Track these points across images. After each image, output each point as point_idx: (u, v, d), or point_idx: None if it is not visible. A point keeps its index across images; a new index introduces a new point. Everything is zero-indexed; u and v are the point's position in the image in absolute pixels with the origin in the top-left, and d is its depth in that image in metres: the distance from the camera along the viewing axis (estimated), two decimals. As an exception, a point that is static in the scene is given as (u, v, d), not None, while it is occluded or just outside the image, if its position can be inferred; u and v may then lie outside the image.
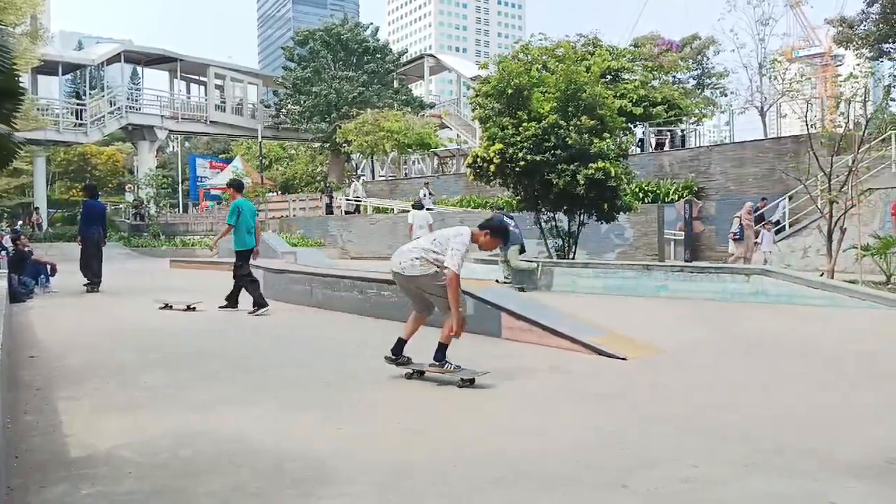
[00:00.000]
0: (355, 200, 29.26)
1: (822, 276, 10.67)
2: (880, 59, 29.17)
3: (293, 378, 5.31)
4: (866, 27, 26.77)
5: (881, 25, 25.74)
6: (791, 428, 3.88)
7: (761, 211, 16.94)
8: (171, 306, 9.51)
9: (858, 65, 27.10)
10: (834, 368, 5.51)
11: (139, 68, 43.19)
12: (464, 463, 3.31)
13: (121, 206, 41.92)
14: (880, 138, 15.55)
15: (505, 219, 14.00)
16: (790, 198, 17.36)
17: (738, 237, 15.00)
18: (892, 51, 27.35)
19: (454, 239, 4.87)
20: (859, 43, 27.35)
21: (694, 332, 7.39)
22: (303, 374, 5.47)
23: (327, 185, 33.78)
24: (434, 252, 4.90)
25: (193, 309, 9.33)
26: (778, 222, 17.83)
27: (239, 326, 8.24)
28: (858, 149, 11.39)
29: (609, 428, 3.89)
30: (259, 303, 9.10)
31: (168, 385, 5.06)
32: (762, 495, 2.91)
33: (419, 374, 5.11)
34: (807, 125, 12.57)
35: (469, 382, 4.83)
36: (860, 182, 11.81)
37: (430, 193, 25.06)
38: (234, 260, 9.50)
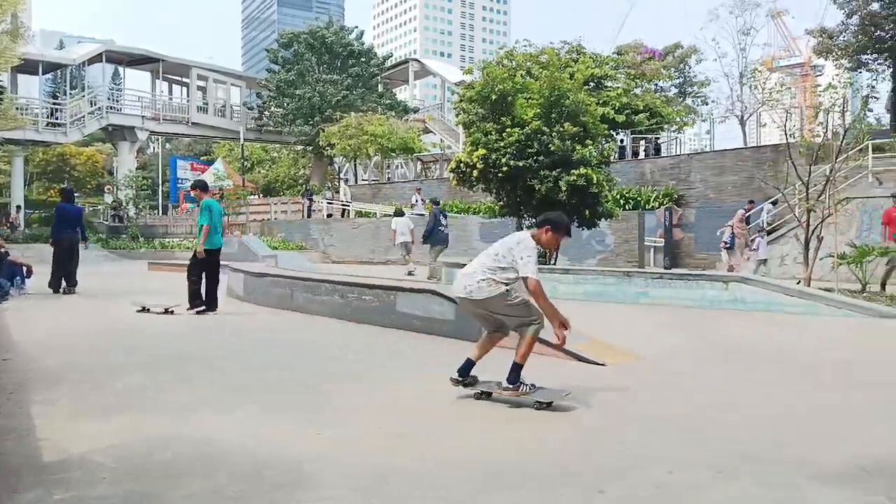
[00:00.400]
0: (343, 205, 29.10)
1: (799, 284, 10.80)
2: (859, 70, 29.66)
3: (274, 381, 5.28)
4: (846, 38, 27.22)
5: (860, 37, 26.19)
6: (768, 434, 3.92)
7: (748, 214, 17.09)
8: (148, 309, 9.41)
9: (837, 75, 27.50)
10: (810, 376, 5.58)
11: (121, 68, 42.90)
12: (446, 467, 3.31)
13: (99, 207, 41.46)
14: (858, 148, 15.77)
15: (439, 216, 14.85)
16: (774, 202, 17.53)
17: (729, 246, 15.07)
18: (870, 62, 27.83)
19: (518, 247, 4.54)
20: (839, 53, 27.80)
21: (673, 338, 7.45)
22: (283, 377, 5.43)
23: (308, 188, 33.61)
24: (501, 268, 4.55)
25: (171, 312, 9.24)
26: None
27: (218, 329, 8.18)
28: (836, 158, 11.57)
29: (588, 433, 3.91)
30: (193, 303, 9.21)
31: (146, 388, 5.01)
32: (738, 501, 2.93)
33: (487, 396, 4.68)
34: (786, 134, 12.73)
35: (546, 405, 4.36)
36: (837, 191, 11.98)
37: (422, 200, 25.26)
38: (194, 260, 9.37)
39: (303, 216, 30.21)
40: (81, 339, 7.32)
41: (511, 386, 4.54)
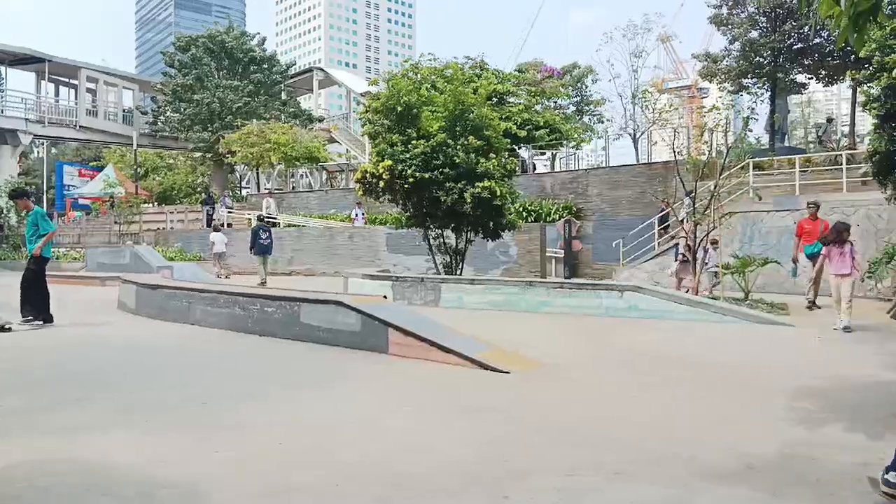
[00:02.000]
0: (270, 218, 28.00)
1: (687, 292, 11.42)
2: (741, 93, 31.70)
3: (167, 399, 5.04)
4: (728, 63, 29.09)
5: (741, 62, 28.07)
6: (662, 435, 4.10)
7: (666, 211, 17.49)
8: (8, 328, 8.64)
9: (721, 97, 29.34)
10: (698, 378, 5.89)
11: (2, 68, 40.00)
12: (348, 482, 3.27)
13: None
14: (739, 166, 16.90)
15: (259, 231, 18.05)
16: (693, 199, 18.11)
17: (687, 259, 15.19)
18: (750, 85, 29.83)
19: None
20: (722, 77, 29.67)
21: (573, 345, 7.68)
22: (179, 394, 5.20)
23: (209, 195, 32.36)
24: None
25: (8, 329, 8.56)
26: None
27: (107, 345, 7.74)
28: (720, 175, 12.33)
29: (492, 441, 3.97)
30: (44, 316, 9.00)
31: (28, 408, 4.67)
32: (633, 501, 3.06)
33: None
34: (674, 152, 13.46)
35: None
36: (721, 206, 12.76)
37: (362, 214, 24.90)
38: (34, 266, 9.09)
39: (204, 225, 29.10)
40: (-49, 358, 6.75)
41: None
